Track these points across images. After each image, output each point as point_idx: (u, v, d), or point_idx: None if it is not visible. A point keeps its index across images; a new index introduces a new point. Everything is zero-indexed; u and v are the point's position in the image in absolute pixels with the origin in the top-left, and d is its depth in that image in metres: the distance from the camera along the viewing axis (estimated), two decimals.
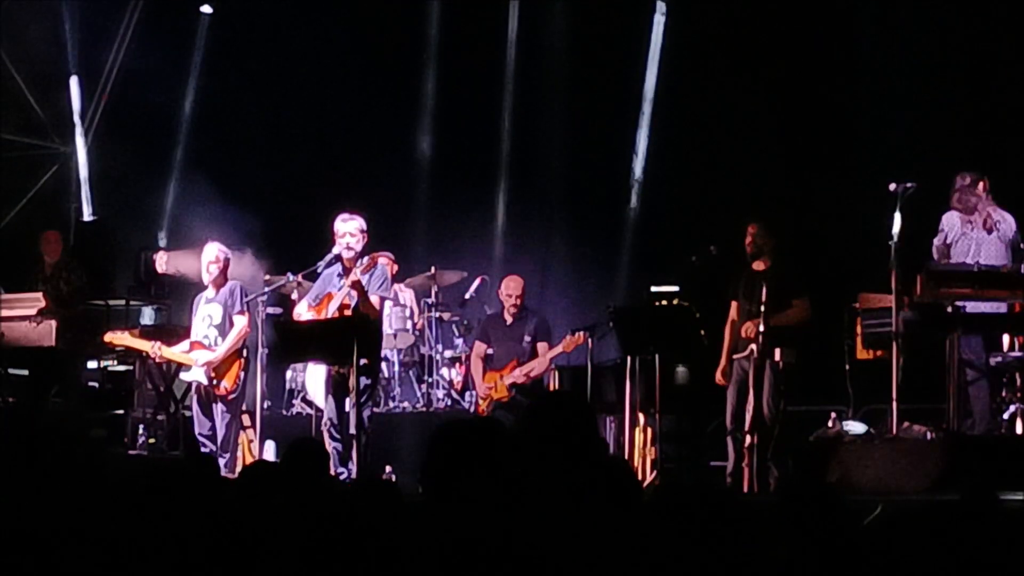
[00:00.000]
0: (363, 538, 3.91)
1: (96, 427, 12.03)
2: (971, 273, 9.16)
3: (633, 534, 3.82)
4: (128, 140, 14.59)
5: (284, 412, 12.33)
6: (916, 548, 4.06)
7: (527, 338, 11.19)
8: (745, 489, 9.15)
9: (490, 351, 11.40)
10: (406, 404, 11.98)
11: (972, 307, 9.24)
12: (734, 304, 9.73)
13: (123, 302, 13.22)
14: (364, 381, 9.48)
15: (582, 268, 13.63)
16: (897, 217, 9.24)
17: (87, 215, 14.65)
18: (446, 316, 12.33)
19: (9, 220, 13.96)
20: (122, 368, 12.47)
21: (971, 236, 9.61)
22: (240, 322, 10.31)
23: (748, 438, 9.21)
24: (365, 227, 9.85)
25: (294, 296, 10.43)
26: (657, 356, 9.59)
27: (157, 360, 10.67)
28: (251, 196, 13.79)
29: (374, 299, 9.66)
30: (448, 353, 12.23)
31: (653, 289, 9.76)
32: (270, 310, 11.02)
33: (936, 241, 9.72)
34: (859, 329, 10.13)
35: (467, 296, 12.38)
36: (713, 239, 9.87)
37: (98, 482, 4.81)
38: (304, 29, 14.39)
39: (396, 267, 11.94)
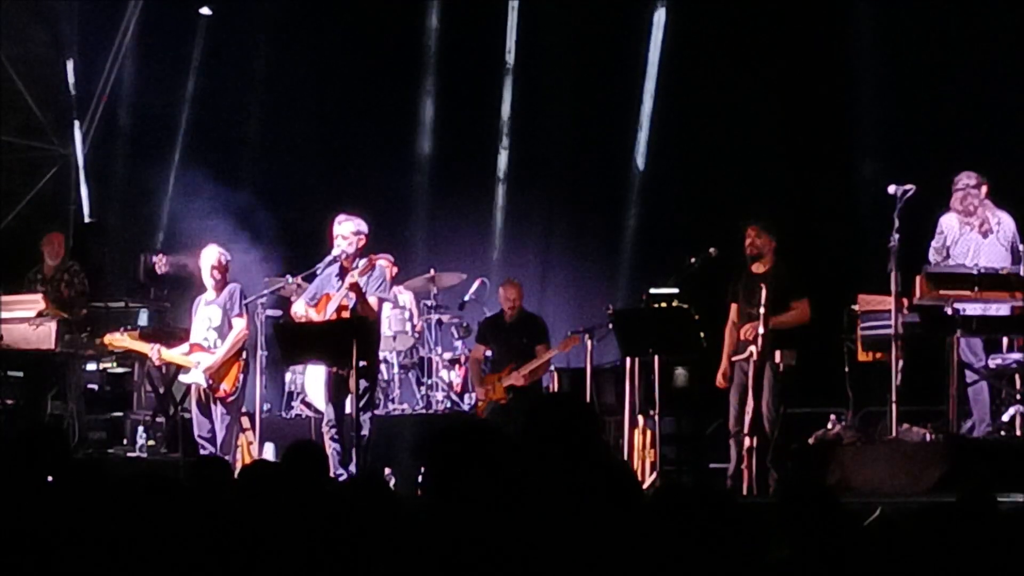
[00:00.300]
0: (359, 538, 3.91)
1: (95, 429, 12.05)
2: (970, 275, 9.16)
3: (633, 536, 3.82)
4: (127, 142, 14.58)
5: (284, 414, 12.32)
6: (916, 550, 4.06)
7: (525, 340, 11.18)
8: (745, 491, 9.14)
9: (488, 353, 11.39)
10: (405, 406, 11.98)
11: (971, 309, 9.24)
12: (734, 306, 9.73)
13: (122, 304, 13.22)
14: (363, 383, 9.50)
15: (581, 270, 13.63)
16: (896, 219, 9.24)
17: (86, 217, 14.63)
18: (445, 318, 12.33)
19: (8, 222, 13.94)
20: (121, 370, 12.47)
21: (969, 238, 9.61)
22: (239, 324, 10.31)
23: (747, 440, 9.20)
24: (363, 229, 9.85)
25: (294, 298, 10.42)
26: (656, 358, 9.59)
27: (157, 362, 10.67)
28: (250, 198, 13.79)
29: (372, 300, 9.67)
30: (447, 355, 12.23)
31: (652, 291, 9.74)
32: (269, 312, 11.01)
33: (935, 243, 9.71)
34: (858, 331, 10.14)
35: (466, 298, 12.38)
36: (713, 241, 9.86)
37: (98, 483, 4.80)
38: (303, 30, 14.39)
39: (396, 269, 11.93)
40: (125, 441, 11.85)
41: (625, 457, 9.87)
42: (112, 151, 14.59)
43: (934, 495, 8.31)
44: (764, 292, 9.26)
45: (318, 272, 10.00)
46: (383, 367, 11.55)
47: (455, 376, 12.25)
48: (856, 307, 10.24)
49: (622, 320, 9.94)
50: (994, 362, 9.72)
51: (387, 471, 10.45)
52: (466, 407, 11.87)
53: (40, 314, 11.17)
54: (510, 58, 14.14)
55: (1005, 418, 9.59)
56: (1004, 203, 9.69)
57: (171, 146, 14.02)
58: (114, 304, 13.15)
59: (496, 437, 3.89)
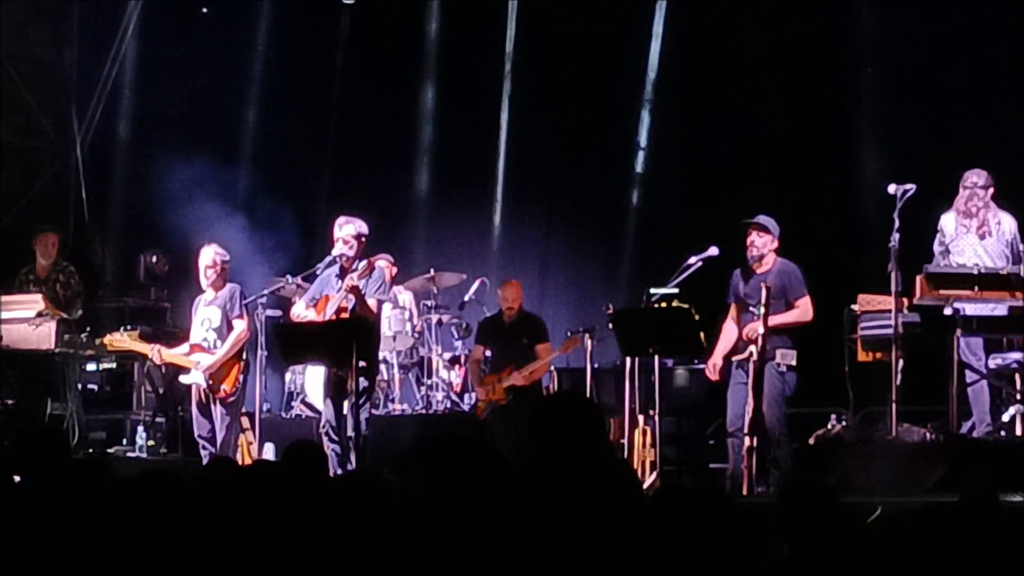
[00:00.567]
0: (357, 537, 3.90)
1: (95, 429, 12.05)
2: (970, 275, 9.16)
3: (633, 536, 3.82)
4: (127, 142, 14.57)
5: (283, 414, 12.33)
6: (916, 550, 4.05)
7: (525, 341, 11.18)
8: (745, 491, 9.13)
9: (488, 353, 11.39)
10: (405, 406, 11.98)
11: (972, 309, 9.24)
12: (734, 305, 9.72)
13: (122, 304, 13.22)
14: (362, 383, 9.50)
15: (581, 269, 13.62)
16: (896, 219, 9.24)
17: (86, 217, 14.62)
18: (445, 318, 12.32)
19: (8, 222, 13.93)
20: (121, 370, 12.46)
21: (965, 240, 9.60)
22: (239, 325, 10.30)
23: (748, 440, 9.19)
24: (363, 231, 9.85)
25: (295, 299, 10.43)
26: (656, 358, 9.58)
27: (157, 363, 10.67)
28: (250, 198, 13.80)
29: (371, 302, 9.67)
30: (447, 355, 12.23)
31: (652, 291, 9.73)
32: (269, 312, 11.01)
33: (935, 243, 9.72)
34: (858, 331, 10.14)
35: (466, 298, 12.38)
36: (713, 240, 9.85)
37: (98, 483, 4.80)
38: (303, 29, 14.39)
39: (395, 269, 11.94)
40: (125, 441, 11.85)
41: (625, 457, 9.87)
42: (112, 151, 14.58)
43: (934, 495, 8.31)
44: (764, 292, 9.26)
45: (318, 273, 10.01)
46: (383, 367, 11.55)
47: (455, 376, 12.25)
48: (856, 307, 10.24)
49: (622, 320, 9.93)
50: (994, 362, 9.73)
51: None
52: (466, 407, 11.87)
53: (40, 314, 11.17)
54: (510, 58, 14.13)
55: (1005, 418, 9.60)
56: (1004, 203, 9.68)
57: (171, 146, 14.00)
58: (114, 304, 13.16)
59: (482, 452, 3.88)
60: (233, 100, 14.46)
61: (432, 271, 12.35)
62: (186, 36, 14.27)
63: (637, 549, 3.80)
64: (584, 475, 3.97)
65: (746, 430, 9.23)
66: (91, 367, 12.15)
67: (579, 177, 13.82)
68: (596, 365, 10.94)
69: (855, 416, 10.07)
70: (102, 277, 13.73)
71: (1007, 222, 9.61)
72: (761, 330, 9.24)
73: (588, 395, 10.38)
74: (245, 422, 10.93)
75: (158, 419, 11.83)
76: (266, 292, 10.78)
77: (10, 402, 11.34)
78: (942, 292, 9.17)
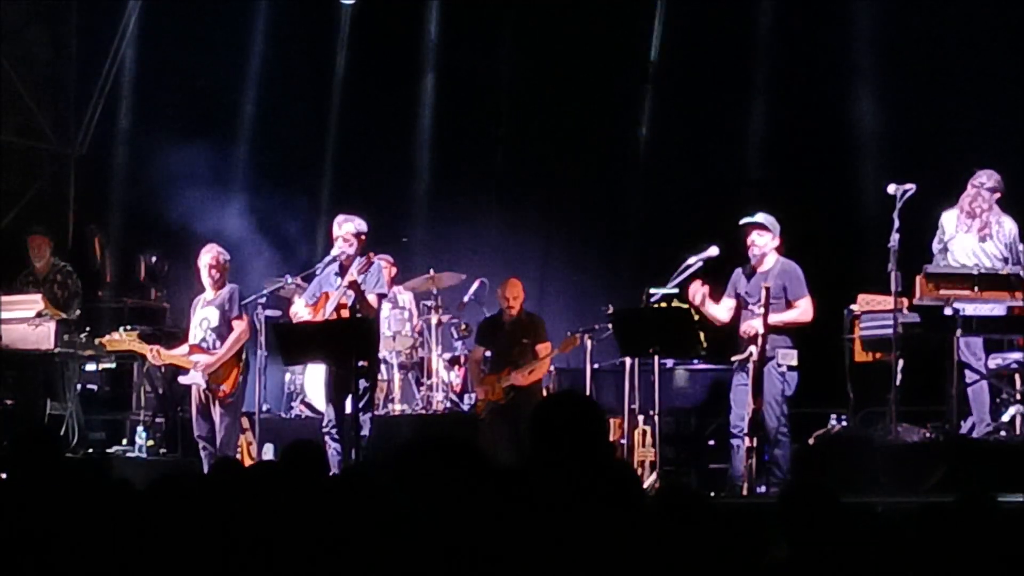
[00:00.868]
0: (356, 536, 3.90)
1: (95, 429, 12.04)
2: (970, 275, 9.16)
3: (633, 536, 3.81)
4: (127, 142, 14.57)
5: (283, 415, 12.32)
6: (915, 550, 4.05)
7: (525, 340, 11.17)
8: (745, 491, 9.13)
9: (488, 354, 11.38)
10: (405, 406, 11.97)
11: (971, 309, 9.23)
12: (734, 300, 9.70)
13: (122, 304, 13.22)
14: (363, 383, 9.50)
15: (581, 270, 13.62)
16: (896, 219, 9.24)
17: (85, 217, 14.61)
18: (445, 318, 12.32)
19: (7, 222, 13.93)
20: (121, 371, 12.46)
21: (964, 240, 9.60)
22: (238, 326, 10.30)
23: (748, 440, 9.19)
24: (363, 230, 9.86)
25: (295, 298, 10.42)
26: (656, 358, 9.57)
27: (156, 363, 10.66)
28: (250, 198, 13.79)
29: (371, 298, 9.67)
30: (447, 355, 12.22)
31: (651, 290, 9.72)
32: (268, 312, 11.01)
33: (934, 240, 9.71)
34: (857, 331, 10.14)
35: (466, 299, 12.38)
36: (713, 239, 9.84)
37: (96, 483, 4.80)
38: (303, 29, 14.38)
39: (395, 269, 11.94)
40: (125, 441, 11.84)
41: (625, 457, 9.87)
42: (111, 151, 14.58)
43: (934, 495, 8.30)
44: (764, 292, 9.25)
45: (317, 272, 10.02)
46: (383, 367, 11.54)
47: (455, 376, 12.25)
48: (855, 307, 10.24)
49: (621, 320, 9.93)
50: (994, 362, 9.72)
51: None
52: (465, 408, 11.87)
53: (39, 314, 11.16)
54: (509, 58, 14.13)
55: (1005, 418, 9.60)
56: (1004, 203, 9.67)
57: (170, 146, 13.99)
58: (113, 305, 13.15)
59: (471, 453, 3.87)
60: (232, 100, 14.45)
61: (431, 271, 12.35)
62: (185, 36, 14.26)
63: (637, 549, 3.79)
64: (584, 475, 3.97)
65: (746, 430, 9.23)
66: (91, 367, 12.15)
67: (579, 177, 13.81)
68: (596, 365, 10.94)
69: (855, 416, 10.07)
70: (101, 277, 13.71)
71: (1008, 225, 9.60)
72: (761, 330, 9.24)
73: (588, 395, 10.38)
74: (245, 422, 10.93)
75: (158, 419, 11.83)
76: (265, 292, 10.77)
77: (9, 402, 11.33)
78: (942, 292, 9.17)
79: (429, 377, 12.05)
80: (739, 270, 9.70)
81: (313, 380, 11.76)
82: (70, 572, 4.23)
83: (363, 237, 9.85)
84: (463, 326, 12.30)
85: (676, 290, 9.59)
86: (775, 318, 9.33)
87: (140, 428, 11.54)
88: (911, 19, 12.15)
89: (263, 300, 10.64)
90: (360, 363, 9.40)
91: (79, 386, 11.74)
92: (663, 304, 9.49)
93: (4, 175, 13.90)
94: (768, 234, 9.59)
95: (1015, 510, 6.70)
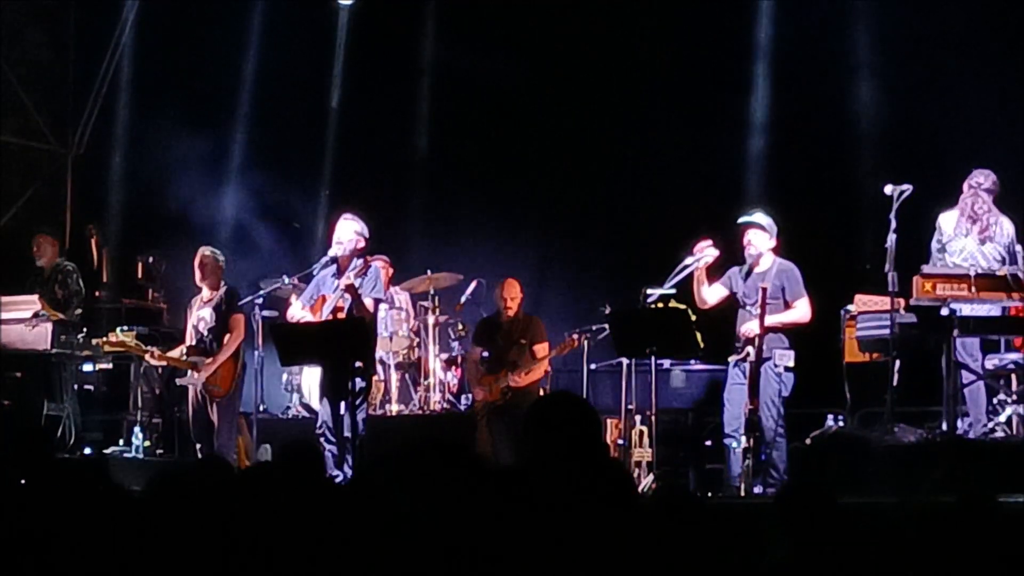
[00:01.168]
0: (355, 537, 3.90)
1: (92, 430, 12.03)
2: (967, 275, 9.15)
3: (630, 536, 3.82)
4: (125, 142, 14.56)
5: (280, 415, 12.32)
6: (912, 550, 4.05)
7: (523, 341, 11.18)
8: (743, 492, 9.13)
9: (486, 354, 11.38)
10: (402, 407, 11.96)
11: (968, 310, 9.23)
12: (726, 292, 9.69)
13: (120, 305, 13.21)
14: (359, 384, 9.49)
15: (579, 270, 13.61)
16: (893, 219, 9.24)
17: (84, 217, 14.60)
18: (442, 319, 12.31)
19: (6, 222, 13.93)
20: (118, 371, 12.45)
21: (964, 242, 9.60)
22: (235, 326, 10.30)
23: (745, 440, 9.19)
24: (363, 229, 9.85)
25: (292, 299, 10.42)
26: (653, 358, 9.57)
27: (153, 362, 10.65)
28: (249, 198, 13.79)
29: (368, 301, 9.66)
30: (444, 356, 12.22)
31: (649, 291, 9.71)
32: (265, 313, 11.02)
33: (933, 242, 9.71)
34: (855, 331, 10.14)
35: (463, 299, 12.38)
36: (711, 240, 9.84)
37: (97, 483, 4.79)
38: (302, 29, 14.38)
39: (392, 270, 11.94)
40: (122, 442, 11.83)
41: (622, 458, 9.87)
42: (109, 152, 14.57)
43: (933, 495, 8.30)
44: (762, 292, 9.26)
45: (315, 273, 10.01)
46: (379, 368, 11.54)
47: (452, 377, 12.24)
48: (852, 307, 10.25)
49: (618, 321, 9.93)
50: (991, 362, 9.73)
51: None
52: (462, 408, 11.86)
53: (36, 315, 11.15)
54: (509, 58, 14.12)
55: (1002, 418, 9.59)
56: (1004, 203, 9.68)
57: (168, 146, 13.99)
58: (110, 305, 13.14)
59: (463, 455, 3.87)
60: (230, 101, 14.44)
61: (429, 272, 12.35)
62: (183, 38, 14.26)
63: (633, 550, 3.79)
64: (579, 476, 3.97)
65: (743, 430, 9.23)
66: (88, 368, 12.14)
67: (577, 177, 13.81)
68: (593, 365, 10.94)
69: (852, 417, 10.07)
70: (98, 278, 13.70)
71: (1006, 226, 9.60)
72: (758, 331, 9.24)
73: (584, 395, 10.37)
74: (242, 423, 10.92)
75: (155, 420, 11.82)
76: (263, 292, 10.77)
77: (6, 403, 11.32)
78: (939, 293, 9.16)
79: (426, 377, 12.05)
80: (736, 269, 9.71)
81: (310, 381, 11.76)
82: (66, 572, 4.23)
83: (363, 238, 9.84)
84: (460, 326, 12.29)
85: (673, 291, 9.58)
86: (774, 319, 9.33)
87: (137, 429, 11.53)
88: (911, 19, 12.15)
89: (260, 300, 10.64)
90: (356, 364, 9.39)
91: (76, 387, 11.73)
92: (660, 305, 9.49)
93: (2, 175, 13.90)
94: (765, 234, 9.59)
95: (1013, 510, 6.72)
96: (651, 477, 9.81)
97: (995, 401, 9.70)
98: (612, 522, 3.85)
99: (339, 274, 9.72)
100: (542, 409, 4.23)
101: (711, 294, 9.67)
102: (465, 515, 3.70)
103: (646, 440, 10.15)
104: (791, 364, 9.33)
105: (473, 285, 12.35)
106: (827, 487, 4.30)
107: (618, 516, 3.90)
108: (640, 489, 9.23)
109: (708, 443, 10.79)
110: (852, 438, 9.57)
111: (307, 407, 12.03)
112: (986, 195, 9.58)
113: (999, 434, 9.47)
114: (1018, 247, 9.56)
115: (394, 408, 11.87)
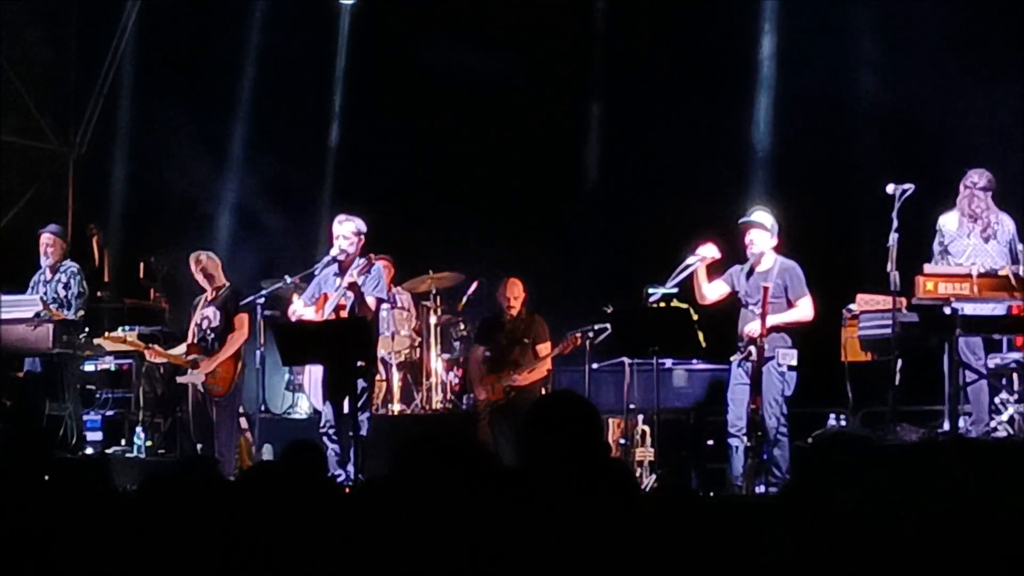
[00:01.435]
0: (359, 537, 3.90)
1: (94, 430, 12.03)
2: (969, 275, 9.15)
3: (630, 535, 3.82)
4: (126, 142, 14.57)
5: (282, 415, 12.32)
6: (915, 550, 4.05)
7: (525, 340, 11.17)
8: (745, 491, 9.13)
9: (488, 353, 11.38)
10: (404, 406, 11.97)
11: (970, 309, 9.23)
12: (727, 289, 9.69)
13: (122, 305, 13.21)
14: (361, 383, 9.49)
15: (580, 269, 13.61)
16: (895, 218, 9.23)
17: (85, 217, 14.61)
18: (444, 319, 12.31)
19: (7, 222, 13.93)
20: (120, 371, 12.45)
21: (967, 242, 9.59)
22: (236, 326, 10.30)
23: (747, 439, 9.19)
24: (363, 229, 9.87)
25: (294, 298, 10.42)
26: (655, 358, 9.57)
27: (154, 360, 10.65)
28: (250, 197, 13.79)
29: (370, 301, 9.67)
30: (445, 355, 12.22)
31: (651, 290, 9.71)
32: (267, 312, 11.03)
33: (934, 244, 9.70)
34: (857, 331, 10.13)
35: (465, 299, 12.37)
36: (712, 239, 9.84)
37: (97, 483, 4.79)
38: (302, 30, 14.38)
39: (394, 270, 11.94)
40: (123, 441, 11.84)
41: (623, 457, 9.87)
42: (111, 151, 14.58)
43: (934, 495, 8.29)
44: (764, 291, 9.25)
45: (316, 272, 10.01)
46: (381, 367, 11.54)
47: (453, 376, 12.25)
48: (854, 306, 10.24)
49: (620, 320, 9.93)
50: (993, 361, 9.72)
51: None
52: (464, 408, 11.86)
53: (37, 315, 11.15)
54: (510, 58, 14.13)
55: (1004, 417, 9.58)
56: (1004, 203, 9.67)
57: (169, 146, 14.00)
58: (112, 305, 13.14)
59: (469, 451, 3.87)
60: (231, 100, 14.45)
61: (431, 272, 12.35)
62: (184, 37, 14.27)
63: (635, 549, 3.79)
64: (581, 475, 3.97)
65: (745, 429, 9.23)
66: (89, 367, 12.14)
67: (579, 176, 13.81)
68: (595, 365, 10.93)
69: (854, 416, 10.06)
70: (101, 278, 13.70)
71: (1007, 223, 9.60)
72: (761, 330, 9.24)
73: (585, 395, 10.37)
74: (243, 423, 10.93)
75: (156, 420, 11.82)
76: (264, 292, 10.77)
77: (8, 403, 11.32)
78: (941, 292, 9.16)
79: (428, 377, 12.05)
80: (738, 267, 9.71)
81: (312, 380, 11.76)
82: (66, 572, 4.23)
83: (362, 236, 9.85)
84: (462, 326, 12.29)
85: (675, 290, 9.58)
86: (777, 319, 9.33)
87: (139, 428, 11.54)
88: (912, 19, 12.14)
89: (262, 300, 10.65)
90: (358, 363, 9.39)
91: (78, 386, 11.73)
92: (662, 304, 9.48)
93: (4, 175, 13.90)
94: (766, 233, 9.59)
95: (1015, 510, 6.71)
96: (653, 476, 9.81)
97: (997, 400, 9.68)
98: (613, 521, 3.85)
99: (341, 273, 9.73)
100: (544, 408, 4.22)
101: (712, 290, 9.67)
102: (466, 515, 3.70)
103: (648, 439, 10.15)
104: (794, 363, 9.32)
105: (474, 285, 12.36)
106: (829, 486, 4.29)
107: (619, 515, 3.90)
108: (642, 488, 9.24)
109: (710, 442, 10.79)
110: (854, 437, 9.55)
111: (309, 407, 12.04)
112: (982, 193, 9.57)
113: (1001, 433, 9.47)
114: (1019, 245, 9.55)
115: (396, 408, 11.87)
